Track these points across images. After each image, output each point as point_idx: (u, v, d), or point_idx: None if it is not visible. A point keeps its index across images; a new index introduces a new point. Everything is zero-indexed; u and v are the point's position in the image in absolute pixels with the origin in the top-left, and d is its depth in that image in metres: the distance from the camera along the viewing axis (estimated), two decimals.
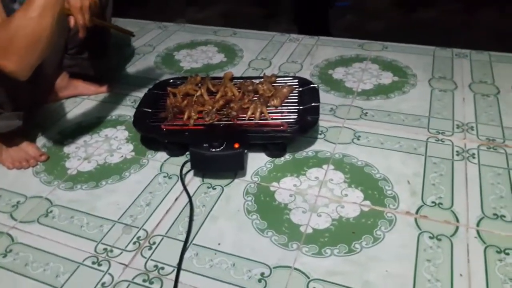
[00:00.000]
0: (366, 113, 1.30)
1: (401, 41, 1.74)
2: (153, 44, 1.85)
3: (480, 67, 1.52)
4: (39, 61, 0.90)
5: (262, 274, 0.85)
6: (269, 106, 1.18)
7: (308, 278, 0.83)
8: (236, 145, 1.04)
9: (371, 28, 2.37)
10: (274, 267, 0.86)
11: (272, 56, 1.68)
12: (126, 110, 1.38)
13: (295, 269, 0.85)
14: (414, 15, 2.51)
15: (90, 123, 1.33)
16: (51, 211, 1.02)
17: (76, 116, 1.37)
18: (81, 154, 1.20)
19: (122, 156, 1.18)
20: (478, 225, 0.92)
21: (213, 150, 1.04)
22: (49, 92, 1.39)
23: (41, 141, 1.26)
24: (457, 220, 0.93)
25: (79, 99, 1.45)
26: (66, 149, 1.22)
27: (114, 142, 1.24)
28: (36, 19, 0.85)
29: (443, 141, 1.16)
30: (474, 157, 1.10)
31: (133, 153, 1.19)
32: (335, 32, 2.19)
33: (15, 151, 1.14)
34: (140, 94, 1.36)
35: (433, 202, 0.98)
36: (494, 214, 0.94)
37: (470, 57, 1.59)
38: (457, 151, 1.12)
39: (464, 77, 1.46)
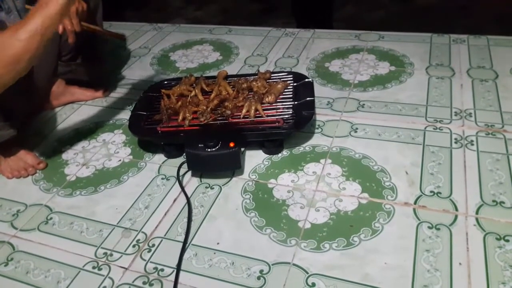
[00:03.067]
0: (363, 104, 1.29)
1: (398, 30, 1.72)
2: (149, 46, 1.85)
3: (478, 52, 1.50)
4: (13, 82, 0.88)
5: (261, 271, 0.84)
6: (263, 103, 1.18)
7: (307, 273, 0.83)
8: (232, 144, 1.04)
9: (368, 18, 2.35)
10: (273, 264, 0.86)
11: (268, 51, 1.68)
12: (123, 113, 1.39)
13: (294, 265, 0.85)
14: (412, 2, 2.50)
15: (88, 129, 1.33)
16: (51, 218, 1.02)
17: (74, 122, 1.37)
18: (79, 160, 1.20)
19: (120, 160, 1.19)
20: (477, 212, 0.91)
21: (209, 150, 1.03)
22: (44, 100, 1.40)
23: (39, 149, 1.27)
24: (456, 209, 0.92)
25: (76, 105, 1.46)
26: (65, 156, 1.23)
27: (111, 147, 1.24)
28: (23, 42, 0.83)
29: (441, 129, 1.15)
30: (472, 144, 1.09)
31: (130, 157, 1.20)
32: (333, 24, 2.17)
33: (13, 160, 1.15)
34: (136, 96, 1.36)
35: (431, 191, 0.97)
36: (494, 201, 0.93)
37: (467, 42, 1.57)
38: (455, 139, 1.11)
39: (462, 63, 1.45)
